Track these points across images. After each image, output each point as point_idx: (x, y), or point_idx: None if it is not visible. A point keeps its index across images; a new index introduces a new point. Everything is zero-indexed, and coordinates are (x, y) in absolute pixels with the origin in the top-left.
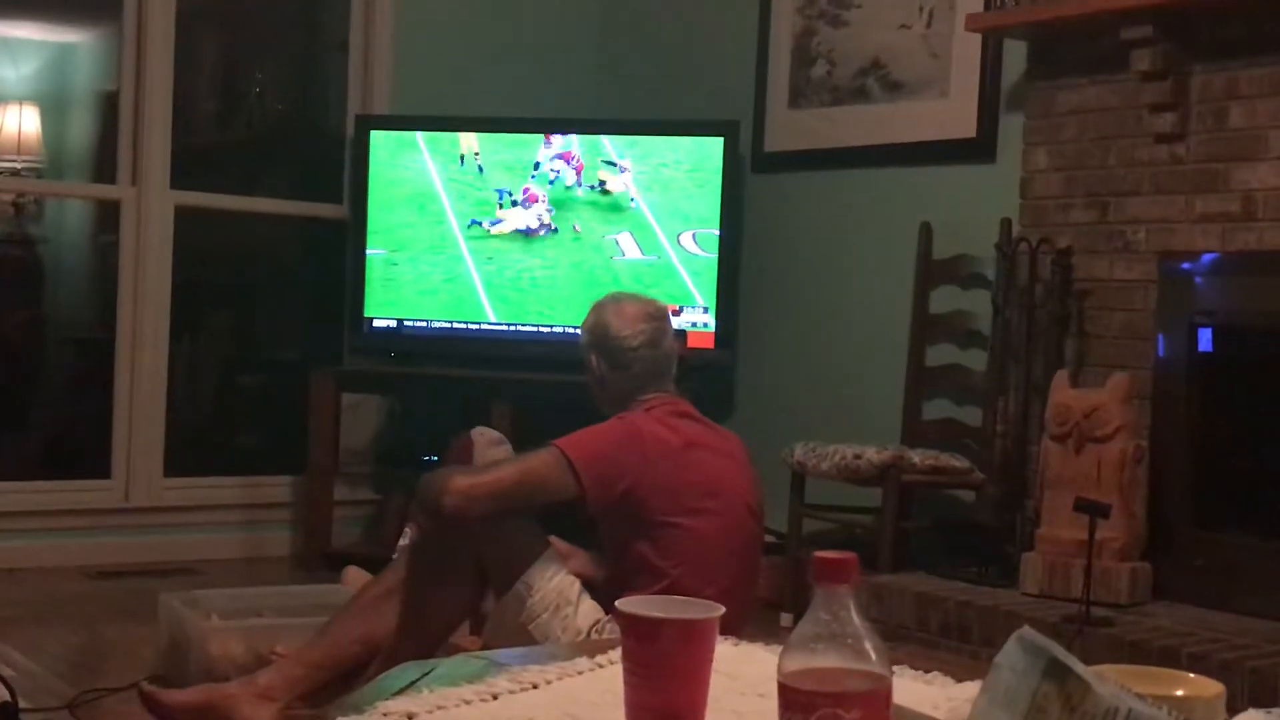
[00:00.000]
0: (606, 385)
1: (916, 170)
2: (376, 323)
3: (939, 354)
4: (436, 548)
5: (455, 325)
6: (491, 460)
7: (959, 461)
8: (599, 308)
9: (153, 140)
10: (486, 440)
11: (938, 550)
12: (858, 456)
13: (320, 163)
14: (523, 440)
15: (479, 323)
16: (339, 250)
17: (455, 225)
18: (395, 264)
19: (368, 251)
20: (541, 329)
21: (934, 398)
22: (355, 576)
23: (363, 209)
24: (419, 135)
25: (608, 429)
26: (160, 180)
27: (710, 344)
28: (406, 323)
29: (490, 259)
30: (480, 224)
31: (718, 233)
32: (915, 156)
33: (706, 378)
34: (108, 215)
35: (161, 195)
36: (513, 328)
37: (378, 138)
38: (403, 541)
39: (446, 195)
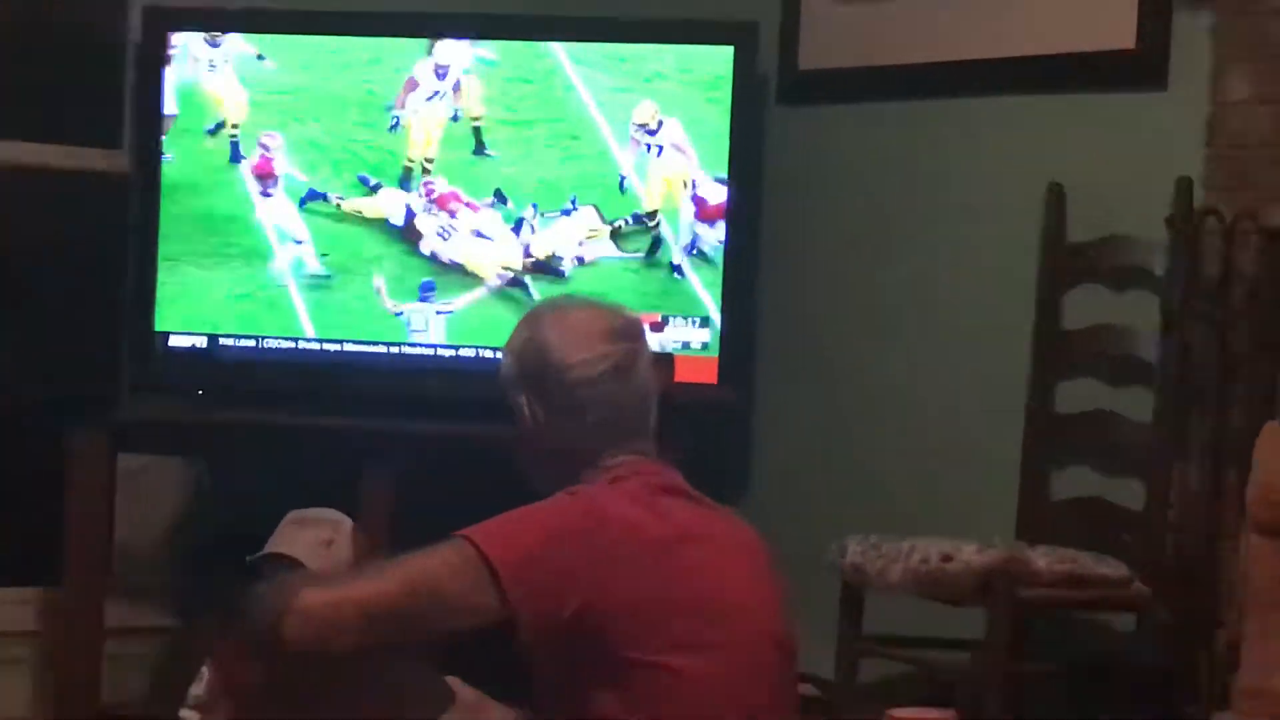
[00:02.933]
0: (546, 442)
1: (1040, 102)
2: (174, 341)
3: (1076, 394)
4: (276, 702)
5: (303, 347)
6: (343, 563)
7: (1108, 567)
8: (533, 320)
9: None
10: (311, 536)
11: (1075, 707)
12: (947, 558)
13: (86, 84)
14: (413, 534)
15: (343, 343)
16: (116, 224)
17: (283, 193)
18: (203, 252)
19: (161, 228)
20: (444, 352)
21: (1068, 464)
22: None
23: (154, 158)
24: (242, 40)
25: (549, 513)
26: None
27: (711, 377)
28: (223, 341)
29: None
30: (326, 197)
31: (724, 200)
32: (1038, 80)
33: (706, 430)
34: None
35: None
36: (396, 351)
37: (181, 43)
38: (195, 690)
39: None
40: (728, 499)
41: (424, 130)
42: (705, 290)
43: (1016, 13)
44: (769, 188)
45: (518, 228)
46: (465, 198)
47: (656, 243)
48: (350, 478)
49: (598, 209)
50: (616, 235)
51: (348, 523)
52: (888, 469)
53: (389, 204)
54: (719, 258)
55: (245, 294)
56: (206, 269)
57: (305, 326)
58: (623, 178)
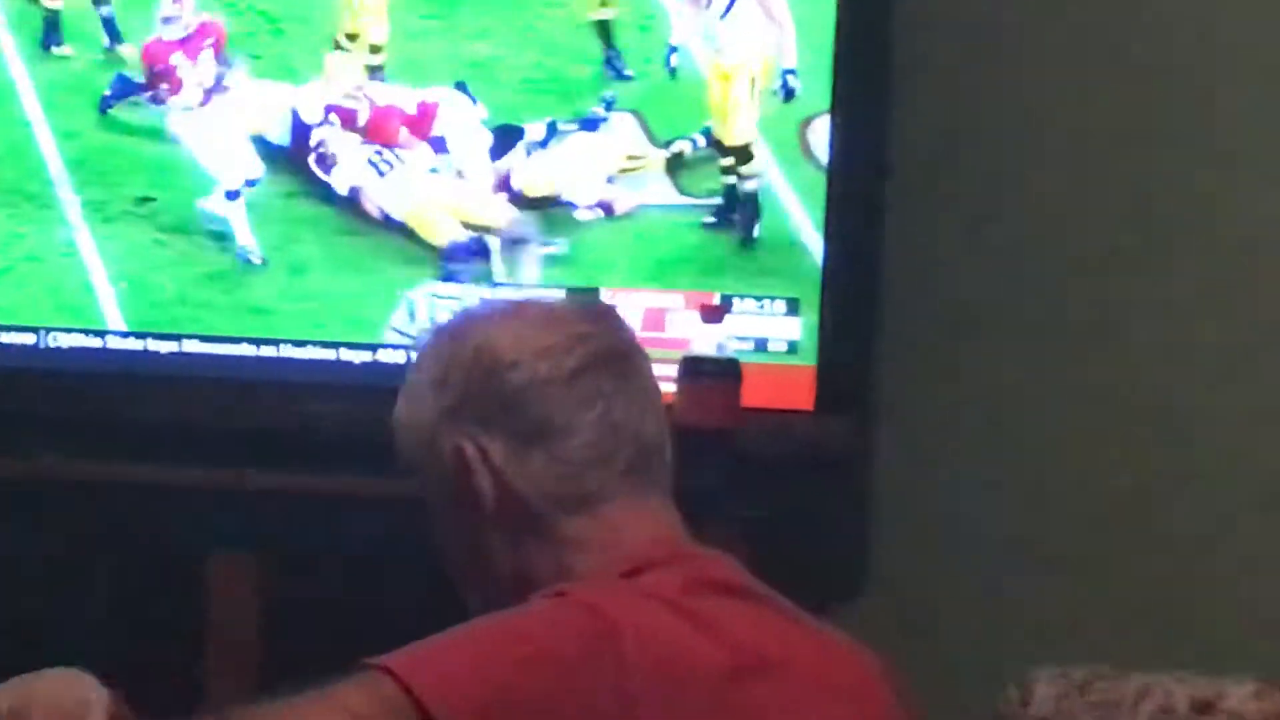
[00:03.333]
0: (508, 507)
1: None
2: None
3: None
4: None
5: (112, 346)
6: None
7: None
8: (458, 328)
9: None
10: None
11: None
12: (1205, 707)
13: None
14: (291, 664)
15: (178, 340)
16: None
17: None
18: None
19: None
20: (352, 357)
21: None
22: None
23: None
24: None
25: (526, 627)
26: None
27: (804, 399)
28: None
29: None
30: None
31: (826, 136)
32: None
33: (792, 487)
34: None
35: None
36: (267, 355)
37: None
38: None
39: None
40: (825, 604)
41: None
42: (792, 255)
43: None
44: (899, 125)
45: (498, 149)
46: (410, 104)
47: (733, 191)
48: (187, 561)
49: (641, 119)
50: (677, 165)
51: (103, 699)
52: (1096, 556)
53: (275, 103)
54: (816, 202)
55: (25, 256)
56: None
57: (111, 313)
58: (672, 65)
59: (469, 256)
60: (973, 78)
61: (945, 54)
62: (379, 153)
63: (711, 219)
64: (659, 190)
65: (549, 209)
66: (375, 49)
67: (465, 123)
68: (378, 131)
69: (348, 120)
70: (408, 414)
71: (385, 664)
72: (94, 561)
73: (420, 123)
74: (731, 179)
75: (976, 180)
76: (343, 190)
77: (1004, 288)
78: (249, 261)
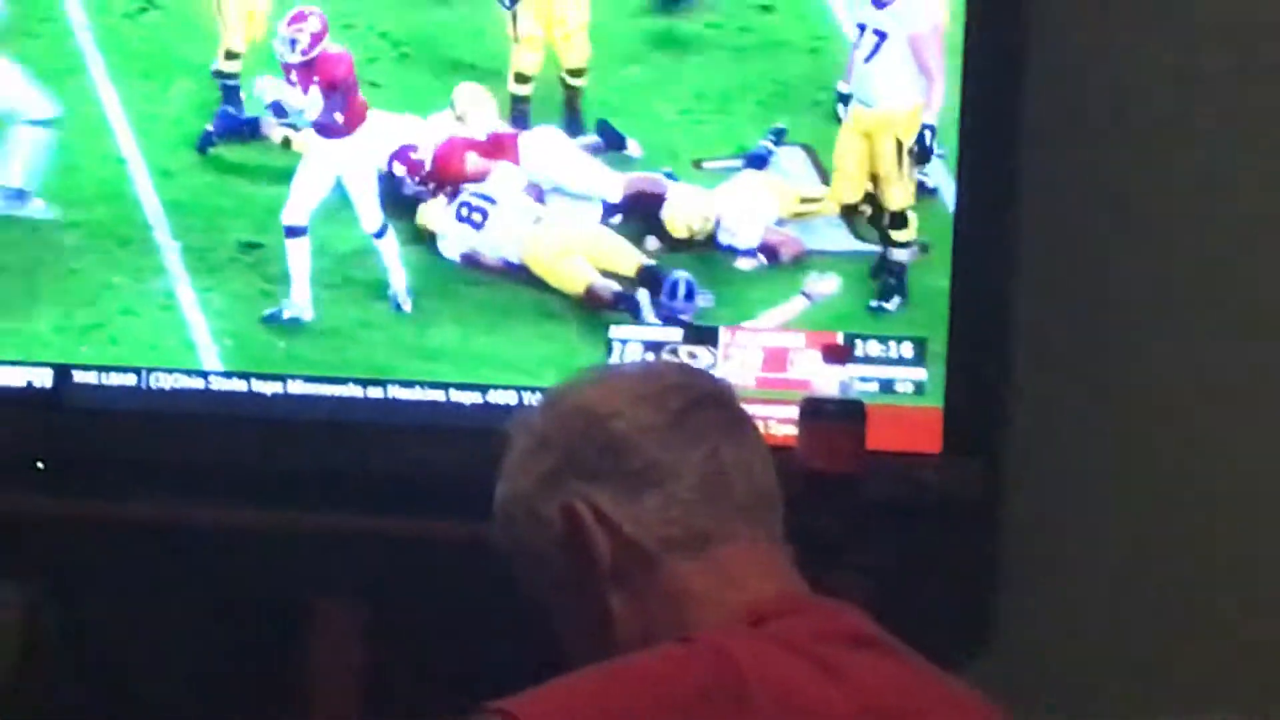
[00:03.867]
0: (620, 559)
1: None
2: None
3: None
4: None
5: (216, 388)
6: None
7: None
8: (551, 396)
9: None
10: None
11: None
12: None
13: None
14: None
15: (284, 380)
16: None
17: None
18: (62, 229)
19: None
20: (463, 398)
21: None
22: None
23: None
24: None
25: (650, 671)
26: None
27: (932, 442)
28: (79, 378)
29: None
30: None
31: (952, 145)
32: None
33: (919, 534)
34: None
35: None
36: (378, 396)
37: None
38: None
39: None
40: (951, 657)
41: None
42: (918, 286)
43: None
44: (1033, 118)
45: (639, 186)
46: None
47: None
48: (291, 609)
49: (813, 154)
50: (853, 207)
51: None
52: (1235, 610)
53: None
54: (942, 223)
55: (126, 308)
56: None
57: (209, 354)
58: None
59: (616, 302)
60: (1103, 113)
61: (1075, 97)
62: (464, 205)
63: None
64: (832, 235)
65: (701, 252)
66: (523, 78)
67: (577, 158)
68: (445, 169)
69: (414, 170)
70: (507, 491)
71: (506, 707)
72: (196, 607)
73: (493, 150)
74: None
75: (1111, 220)
76: (454, 257)
77: (1139, 331)
78: (400, 309)
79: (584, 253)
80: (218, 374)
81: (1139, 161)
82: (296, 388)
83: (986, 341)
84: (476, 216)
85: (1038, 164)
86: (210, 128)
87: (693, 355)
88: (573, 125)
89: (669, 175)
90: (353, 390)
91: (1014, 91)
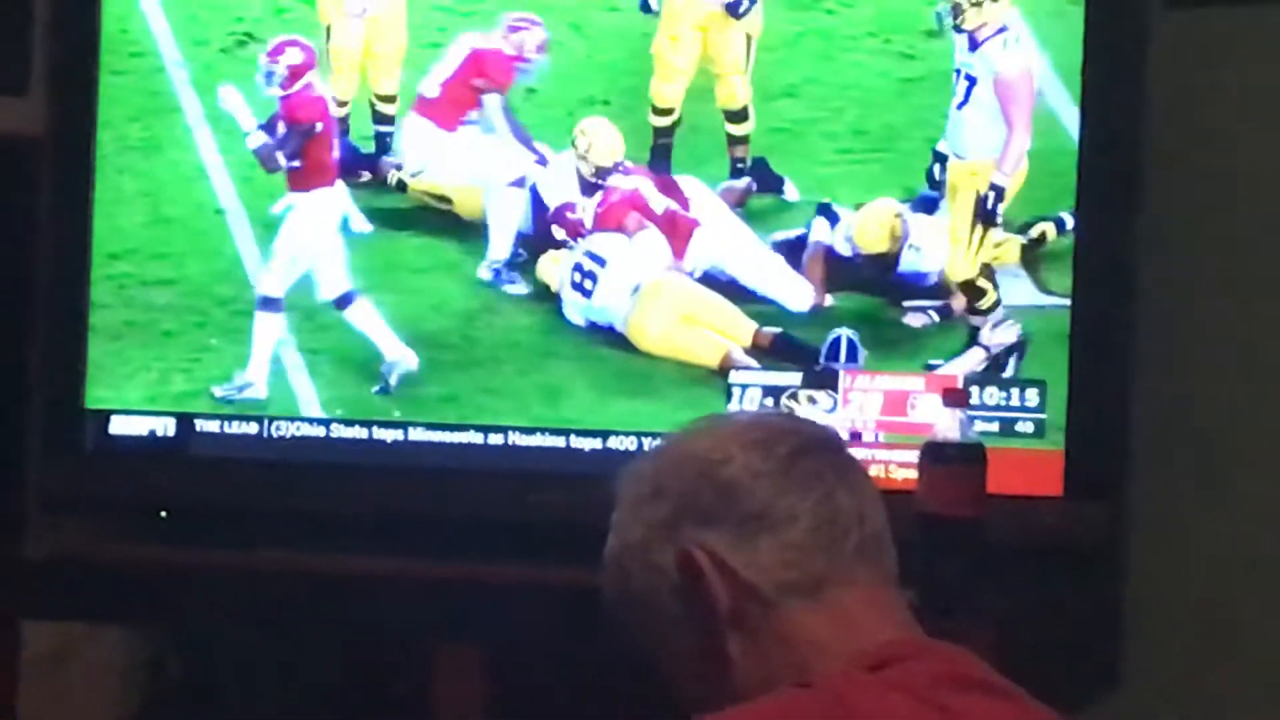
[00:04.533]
0: (737, 607)
1: None
2: (119, 427)
3: None
4: None
5: (336, 433)
6: None
7: None
8: (661, 449)
9: None
10: None
11: None
12: None
13: None
14: None
15: (403, 428)
16: (16, 220)
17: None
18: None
19: (96, 228)
20: (611, 444)
21: None
22: None
23: (82, 114)
24: None
25: (770, 715)
26: None
27: (1053, 485)
28: (203, 427)
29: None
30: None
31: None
32: None
33: (1039, 578)
34: None
35: None
36: (479, 439)
37: None
38: None
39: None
40: (1075, 704)
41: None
42: (1038, 335)
43: None
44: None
45: (799, 244)
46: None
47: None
48: (413, 653)
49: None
50: (1036, 254)
51: None
52: None
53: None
54: (1061, 267)
55: (225, 374)
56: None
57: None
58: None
59: (781, 353)
60: (1225, 146)
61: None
62: (577, 268)
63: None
64: (1017, 288)
65: (871, 293)
66: (663, 111)
67: (765, 261)
68: (606, 220)
69: (575, 231)
70: (619, 542)
71: None
72: (319, 654)
73: (667, 227)
74: (973, 318)
75: (1233, 259)
76: (579, 322)
77: (1264, 372)
78: (387, 391)
79: (699, 321)
80: (339, 421)
81: (1263, 199)
82: (417, 435)
83: (1108, 383)
84: (588, 284)
85: (1160, 202)
86: None
87: (812, 400)
88: (729, 169)
89: (827, 214)
90: (472, 437)
91: (1136, 119)
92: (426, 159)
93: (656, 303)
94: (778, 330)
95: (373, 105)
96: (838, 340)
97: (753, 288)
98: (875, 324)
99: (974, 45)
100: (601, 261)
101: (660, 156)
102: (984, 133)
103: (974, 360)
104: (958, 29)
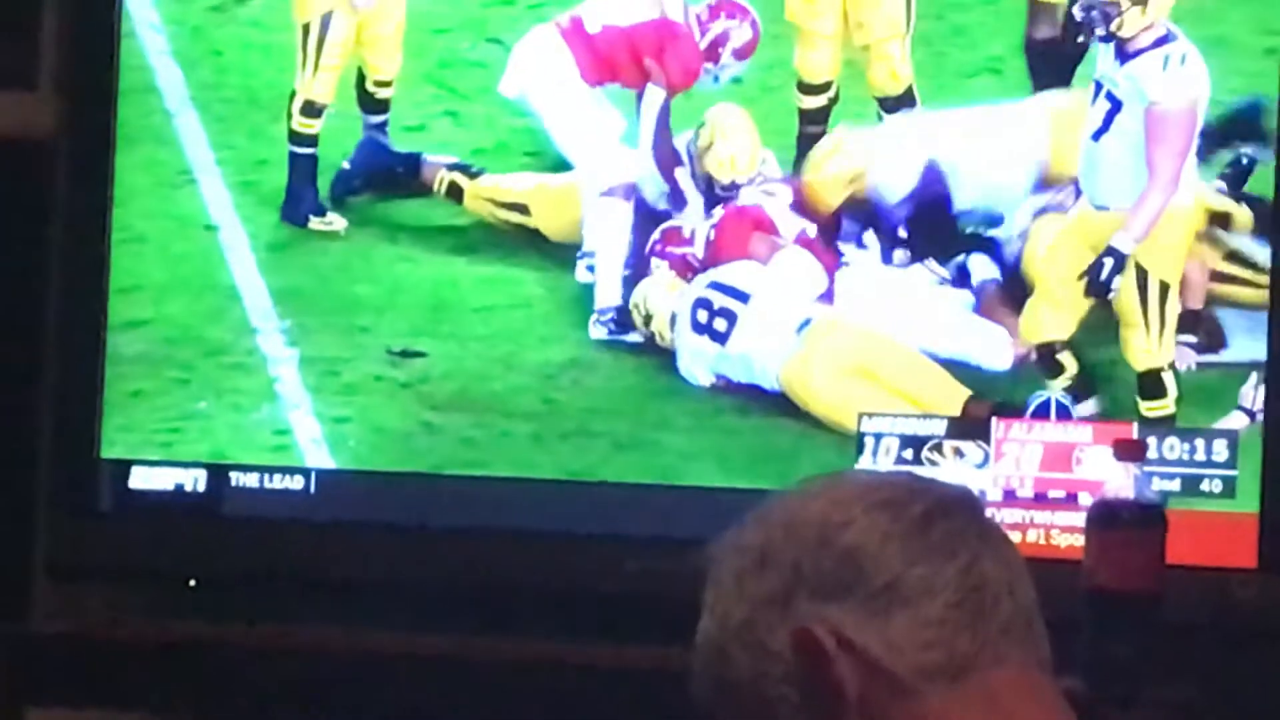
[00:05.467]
0: (871, 690)
1: None
2: (140, 481)
3: None
4: None
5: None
6: None
7: None
8: (774, 507)
9: None
10: None
11: None
12: None
13: None
14: None
15: (459, 483)
16: (26, 233)
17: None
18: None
19: (114, 239)
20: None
21: None
22: None
23: (99, 115)
24: None
25: None
26: None
27: (1246, 556)
28: (239, 481)
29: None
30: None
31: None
32: None
33: (1229, 662)
34: None
35: None
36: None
37: None
38: None
39: None
40: None
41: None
42: (1226, 378)
43: None
44: None
45: (962, 276)
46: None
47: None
48: None
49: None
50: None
51: None
52: None
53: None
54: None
55: (218, 450)
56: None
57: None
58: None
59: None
60: None
61: None
62: (702, 304)
63: None
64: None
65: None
66: (815, 88)
67: (952, 316)
68: (724, 247)
69: (685, 271)
70: (715, 624)
71: None
72: None
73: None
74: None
75: None
76: (703, 383)
77: None
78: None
79: (878, 379)
80: (393, 474)
81: None
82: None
83: None
84: (720, 324)
85: None
86: (348, 165)
87: (959, 452)
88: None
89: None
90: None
91: None
92: (535, 83)
93: (829, 342)
94: (996, 401)
95: (366, 92)
96: (1046, 403)
97: (930, 349)
98: (1093, 379)
99: (1124, 55)
100: (742, 296)
101: (806, 149)
102: (1122, 177)
103: (1238, 425)
104: (1108, 37)
